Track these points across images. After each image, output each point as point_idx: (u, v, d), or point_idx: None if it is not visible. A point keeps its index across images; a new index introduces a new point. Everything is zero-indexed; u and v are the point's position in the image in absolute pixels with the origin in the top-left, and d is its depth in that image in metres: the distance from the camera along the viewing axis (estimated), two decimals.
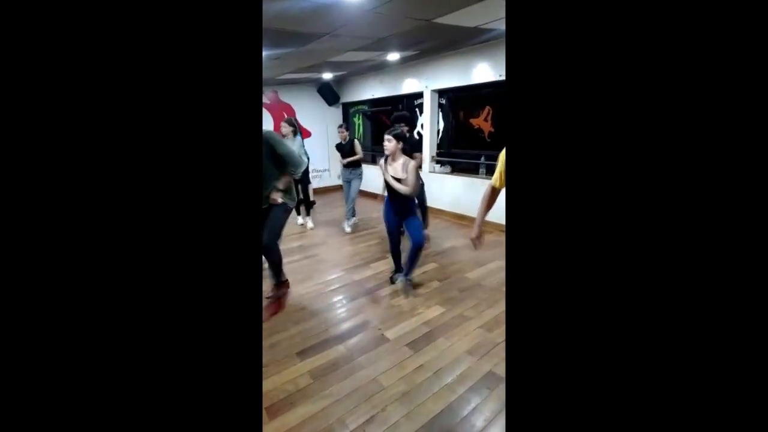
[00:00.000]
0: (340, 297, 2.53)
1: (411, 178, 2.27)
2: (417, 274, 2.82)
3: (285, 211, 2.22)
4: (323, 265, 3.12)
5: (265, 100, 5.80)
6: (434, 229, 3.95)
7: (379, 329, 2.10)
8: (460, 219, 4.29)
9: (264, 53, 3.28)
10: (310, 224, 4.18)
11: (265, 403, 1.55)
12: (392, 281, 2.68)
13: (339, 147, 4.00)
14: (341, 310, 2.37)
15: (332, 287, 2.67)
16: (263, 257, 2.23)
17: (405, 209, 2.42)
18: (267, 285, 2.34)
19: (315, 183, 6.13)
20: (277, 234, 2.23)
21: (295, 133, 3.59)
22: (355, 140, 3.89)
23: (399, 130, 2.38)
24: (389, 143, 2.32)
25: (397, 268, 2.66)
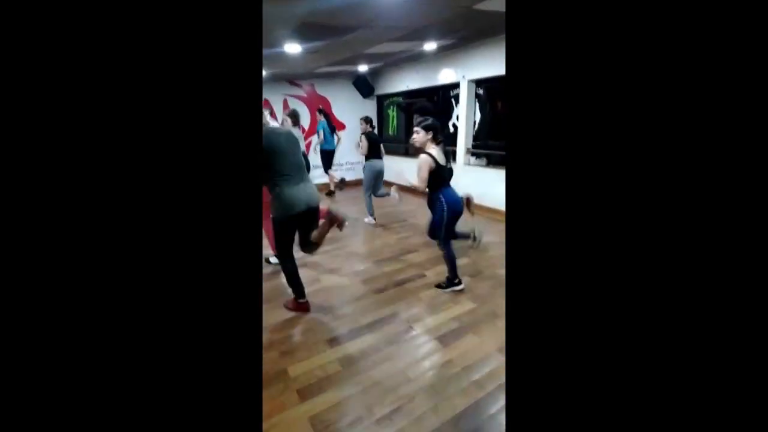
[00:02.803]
0: (369, 288, 2.56)
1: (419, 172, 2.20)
2: (445, 269, 2.78)
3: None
4: (354, 256, 3.17)
5: (302, 93, 5.94)
6: (467, 223, 3.87)
7: (408, 322, 2.11)
8: (495, 213, 4.16)
9: (300, 47, 3.34)
10: None
11: (296, 386, 1.61)
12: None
13: None
14: (370, 301, 2.40)
15: (362, 278, 2.71)
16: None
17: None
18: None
19: (348, 175, 6.24)
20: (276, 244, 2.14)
21: (293, 124, 3.54)
22: (362, 135, 3.98)
23: (430, 121, 2.21)
24: (417, 135, 2.21)
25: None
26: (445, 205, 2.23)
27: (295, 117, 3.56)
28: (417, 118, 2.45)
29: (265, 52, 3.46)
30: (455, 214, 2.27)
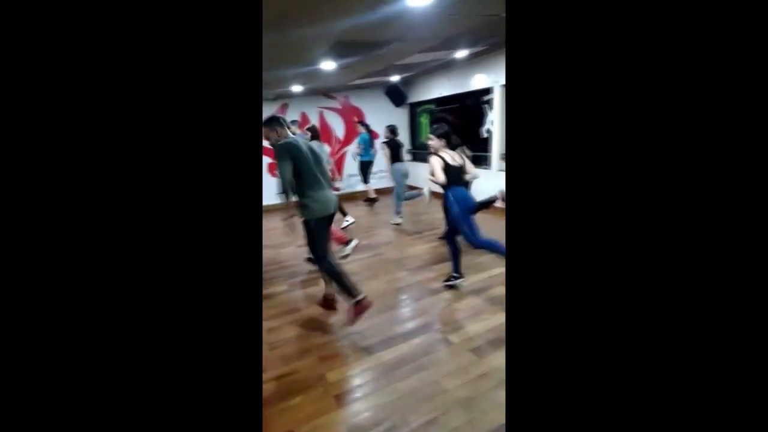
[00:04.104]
0: (404, 297, 2.58)
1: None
2: (482, 278, 2.75)
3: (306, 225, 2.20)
4: (389, 264, 3.21)
5: (337, 105, 6.15)
6: (502, 232, 3.77)
7: (443, 332, 2.10)
8: None
9: (334, 63, 3.48)
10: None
11: (334, 392, 1.67)
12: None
13: None
14: (405, 309, 2.42)
15: (397, 286, 2.74)
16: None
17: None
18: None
19: (383, 183, 6.33)
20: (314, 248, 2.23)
21: (311, 138, 3.66)
22: (382, 143, 4.45)
23: (444, 129, 2.56)
24: (431, 141, 2.56)
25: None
26: (452, 199, 2.46)
27: (313, 132, 3.79)
28: (432, 126, 2.77)
29: (302, 69, 3.64)
30: (465, 207, 2.47)
